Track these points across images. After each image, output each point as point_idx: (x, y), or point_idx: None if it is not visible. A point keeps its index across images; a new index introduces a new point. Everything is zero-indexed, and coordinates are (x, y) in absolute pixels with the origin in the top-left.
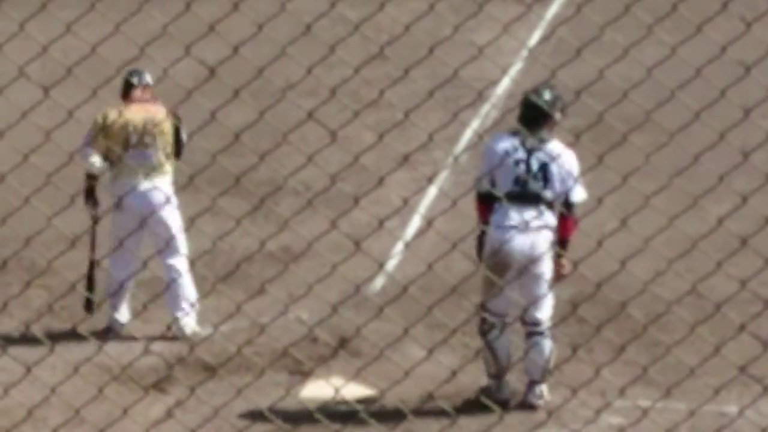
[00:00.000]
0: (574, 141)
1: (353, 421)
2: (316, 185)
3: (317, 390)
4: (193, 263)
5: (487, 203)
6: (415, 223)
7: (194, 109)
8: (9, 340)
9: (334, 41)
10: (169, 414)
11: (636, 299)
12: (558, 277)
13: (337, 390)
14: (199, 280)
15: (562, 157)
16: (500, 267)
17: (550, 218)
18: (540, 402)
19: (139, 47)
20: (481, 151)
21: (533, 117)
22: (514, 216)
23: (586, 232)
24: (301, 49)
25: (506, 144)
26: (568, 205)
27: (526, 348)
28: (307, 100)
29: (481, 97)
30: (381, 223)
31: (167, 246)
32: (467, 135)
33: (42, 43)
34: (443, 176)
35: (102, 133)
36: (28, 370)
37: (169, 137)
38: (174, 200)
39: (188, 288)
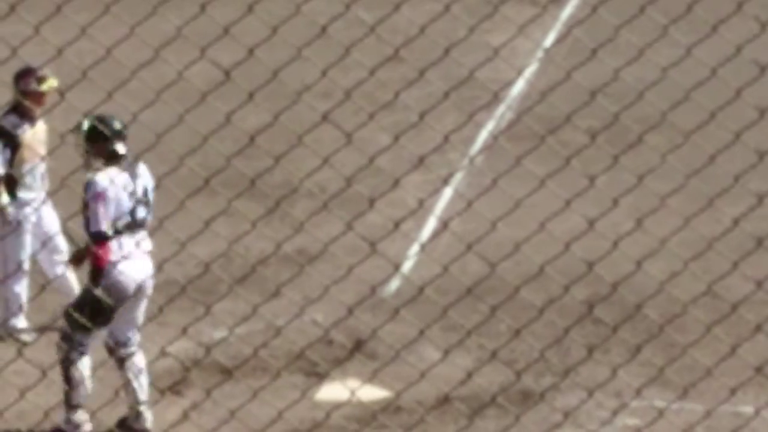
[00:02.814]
0: (589, 142)
1: (369, 424)
2: (332, 187)
3: (333, 392)
4: (208, 266)
5: (107, 240)
6: (430, 224)
7: (209, 111)
8: (25, 344)
9: (349, 43)
10: (185, 417)
11: (652, 300)
12: None
13: (352, 392)
14: (214, 283)
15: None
16: (123, 296)
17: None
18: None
19: (154, 50)
20: (91, 195)
21: (125, 144)
22: (131, 244)
23: (601, 233)
24: (316, 51)
25: (118, 179)
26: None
27: (132, 374)
28: (322, 102)
29: (496, 98)
30: (396, 225)
31: None
32: (482, 136)
33: (57, 46)
34: (458, 178)
35: None
36: (44, 373)
37: None
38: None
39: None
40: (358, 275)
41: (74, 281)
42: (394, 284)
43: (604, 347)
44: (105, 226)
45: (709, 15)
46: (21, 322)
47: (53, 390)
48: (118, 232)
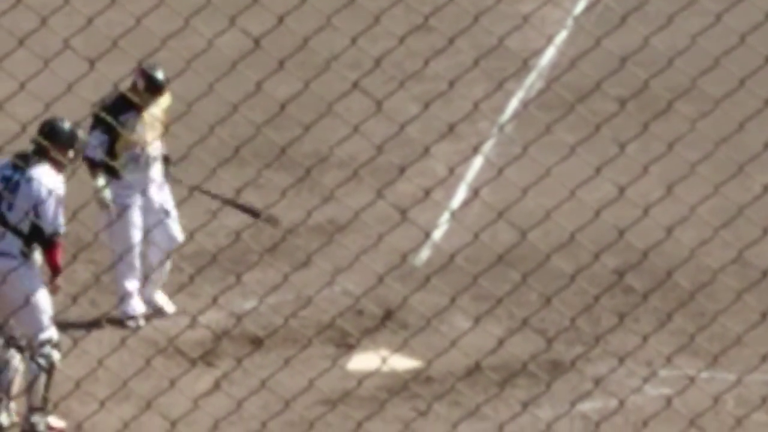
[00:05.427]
0: (619, 110)
1: (400, 393)
2: (362, 157)
3: (364, 361)
4: (238, 236)
5: None
6: (460, 193)
7: (239, 80)
8: (56, 314)
9: (378, 12)
10: (216, 386)
11: (682, 268)
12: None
13: (383, 361)
14: (245, 253)
15: (39, 183)
16: None
17: (12, 243)
18: (39, 429)
19: (184, 19)
20: None
21: (41, 138)
22: None
23: (631, 200)
24: (345, 20)
25: (2, 160)
26: (42, 234)
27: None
28: (352, 71)
29: (526, 66)
30: (427, 193)
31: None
32: (512, 105)
33: (87, 16)
34: (489, 146)
35: None
36: (75, 343)
37: None
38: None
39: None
40: (388, 244)
41: (166, 269)
42: (425, 253)
43: (635, 315)
44: None
45: None
46: (132, 307)
47: (84, 361)
48: None
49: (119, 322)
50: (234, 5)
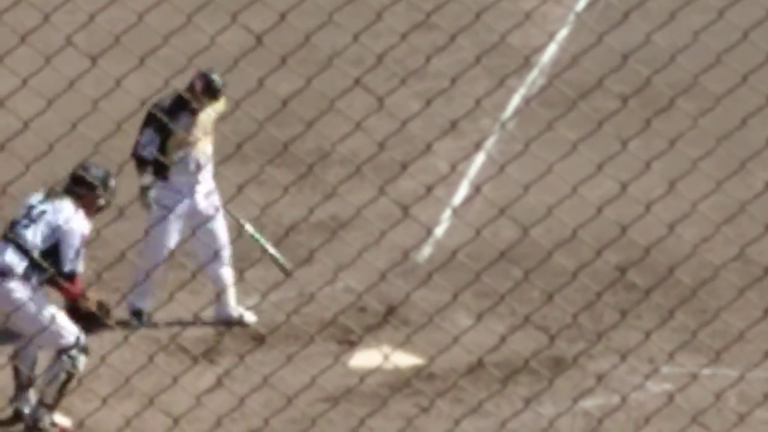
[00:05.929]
0: (621, 107)
1: (402, 390)
2: (364, 153)
3: (366, 358)
4: (240, 233)
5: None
6: (462, 190)
7: (241, 77)
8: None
9: (380, 9)
10: (218, 383)
11: (684, 264)
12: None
13: (385, 358)
14: (247, 249)
15: (66, 218)
16: None
17: (16, 262)
18: (42, 425)
19: (186, 16)
20: None
21: (72, 180)
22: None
23: (633, 197)
24: (347, 17)
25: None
26: (59, 270)
27: None
28: (354, 68)
29: (527, 63)
30: (428, 190)
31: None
32: (514, 102)
33: (89, 13)
34: (490, 143)
35: None
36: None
37: None
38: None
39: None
40: (390, 241)
41: (229, 276)
42: (427, 250)
43: (637, 312)
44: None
45: None
46: (140, 303)
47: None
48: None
49: (122, 320)
50: (236, 2)
